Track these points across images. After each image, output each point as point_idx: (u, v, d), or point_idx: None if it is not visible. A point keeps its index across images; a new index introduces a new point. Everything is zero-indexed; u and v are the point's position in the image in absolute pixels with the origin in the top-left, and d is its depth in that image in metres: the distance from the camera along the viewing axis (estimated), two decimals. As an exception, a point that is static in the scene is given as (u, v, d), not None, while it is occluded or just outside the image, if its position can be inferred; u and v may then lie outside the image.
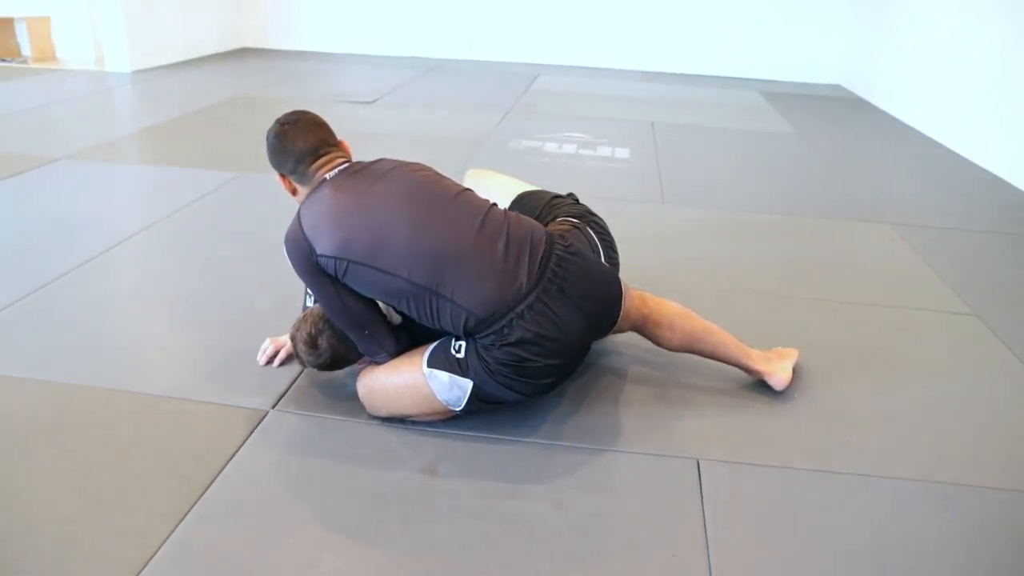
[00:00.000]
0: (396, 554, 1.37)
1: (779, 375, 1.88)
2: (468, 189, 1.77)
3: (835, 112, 5.43)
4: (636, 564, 1.37)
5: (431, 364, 1.63)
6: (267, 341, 1.94)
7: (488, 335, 1.57)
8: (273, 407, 1.76)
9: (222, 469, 1.56)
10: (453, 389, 1.62)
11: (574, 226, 1.91)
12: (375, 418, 1.73)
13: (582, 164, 3.75)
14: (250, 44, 7.29)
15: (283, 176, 1.79)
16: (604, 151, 3.99)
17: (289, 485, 1.54)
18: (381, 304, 1.73)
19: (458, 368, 1.61)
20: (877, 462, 1.66)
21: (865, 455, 1.68)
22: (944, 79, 4.63)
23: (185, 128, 4.19)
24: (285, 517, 1.45)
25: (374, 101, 4.94)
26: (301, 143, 1.74)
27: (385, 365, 1.70)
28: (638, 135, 4.35)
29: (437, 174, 1.77)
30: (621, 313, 1.78)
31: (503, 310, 1.56)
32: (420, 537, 1.41)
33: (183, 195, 3.10)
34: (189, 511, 1.44)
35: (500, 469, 1.60)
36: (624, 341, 2.08)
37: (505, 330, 1.56)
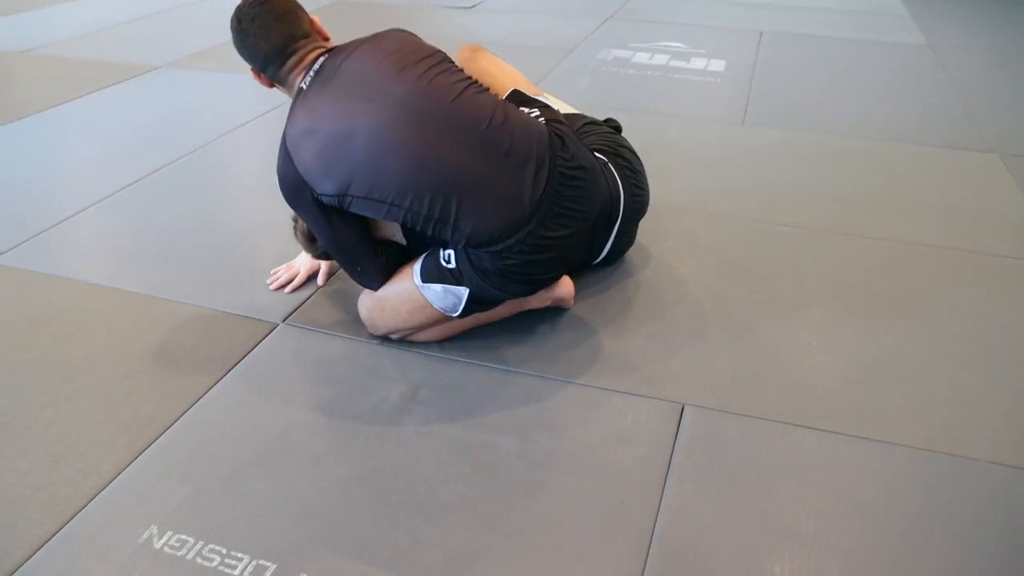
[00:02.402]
0: (349, 478, 1.43)
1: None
2: (468, 82, 1.62)
3: (988, 20, 4.80)
4: (579, 508, 1.36)
5: (424, 278, 1.65)
6: (282, 268, 2.00)
7: (486, 252, 1.57)
8: (284, 320, 1.85)
9: (225, 374, 1.68)
10: (448, 296, 1.64)
11: (598, 160, 1.85)
12: (376, 337, 1.78)
13: (668, 77, 3.55)
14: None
15: (255, 72, 1.67)
16: (698, 63, 3.75)
17: (278, 398, 1.63)
18: (386, 226, 1.77)
19: (451, 278, 1.62)
20: (884, 426, 1.54)
21: (873, 416, 1.57)
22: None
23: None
24: (263, 428, 1.54)
25: (473, 7, 4.84)
26: (264, 44, 1.61)
27: None
28: (741, 45, 4.04)
29: (425, 66, 1.59)
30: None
31: (505, 234, 1.55)
32: (379, 461, 1.46)
33: (272, 100, 3.21)
34: (187, 411, 1.57)
35: (479, 398, 1.62)
36: (640, 263, 2.01)
37: (504, 252, 1.56)
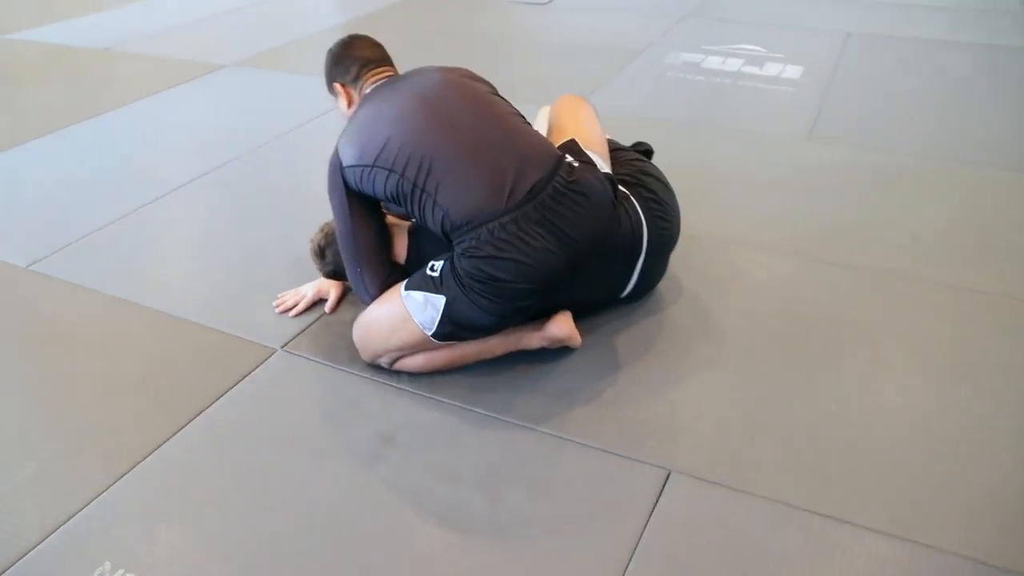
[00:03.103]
0: (306, 527, 1.40)
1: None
2: (497, 98, 1.75)
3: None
4: (533, 582, 1.28)
5: (408, 287, 1.64)
6: (290, 292, 1.98)
7: (462, 241, 1.56)
8: (283, 346, 1.84)
9: (213, 403, 1.68)
10: (427, 308, 1.60)
11: (619, 193, 1.76)
12: (369, 367, 1.74)
13: (737, 85, 3.35)
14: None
15: (343, 87, 1.83)
16: (772, 69, 3.52)
17: (258, 433, 1.61)
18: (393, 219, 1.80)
19: (432, 286, 1.60)
20: (888, 516, 1.38)
21: (875, 504, 1.41)
22: None
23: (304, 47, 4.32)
24: (234, 466, 1.54)
25: (548, 2, 4.72)
26: (361, 53, 1.83)
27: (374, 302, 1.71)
28: (823, 49, 3.77)
29: (469, 80, 1.75)
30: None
31: (477, 221, 1.54)
32: (341, 511, 1.43)
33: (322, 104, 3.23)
34: (167, 441, 1.58)
35: (456, 447, 1.55)
36: (669, 298, 1.89)
37: (475, 243, 1.53)
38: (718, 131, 2.91)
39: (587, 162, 1.69)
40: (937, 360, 1.74)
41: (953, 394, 1.65)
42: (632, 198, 1.78)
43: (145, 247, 2.29)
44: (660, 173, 1.90)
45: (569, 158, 1.67)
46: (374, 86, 1.78)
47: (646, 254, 1.78)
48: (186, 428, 1.62)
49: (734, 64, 3.60)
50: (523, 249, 1.53)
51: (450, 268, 1.58)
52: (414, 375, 1.71)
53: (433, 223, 1.61)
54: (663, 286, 1.98)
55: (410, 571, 1.31)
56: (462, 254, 1.56)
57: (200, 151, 2.88)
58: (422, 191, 1.59)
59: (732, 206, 2.37)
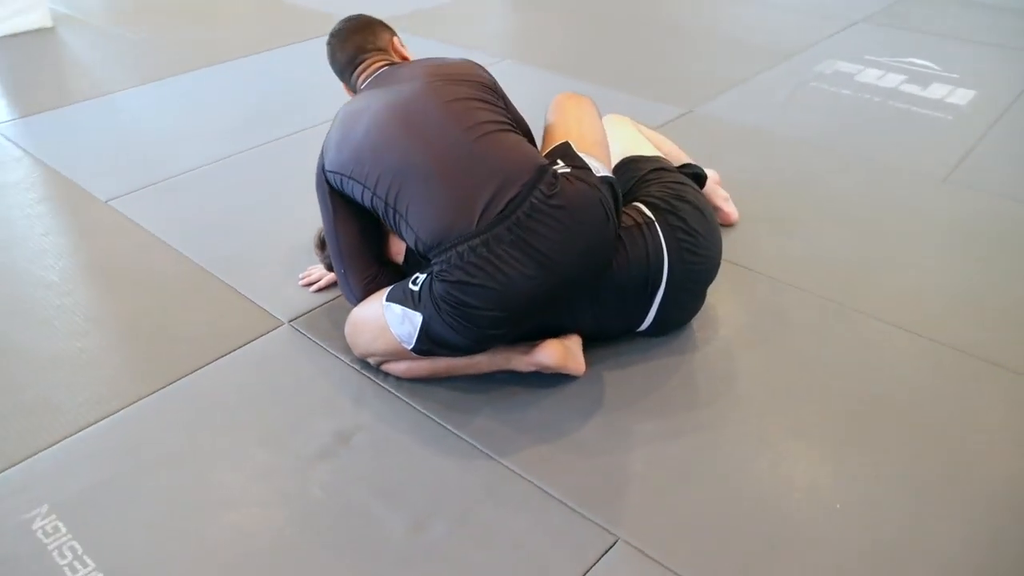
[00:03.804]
0: (226, 522, 1.38)
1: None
2: (480, 103, 1.55)
3: None
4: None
5: (389, 297, 1.56)
6: (316, 267, 1.97)
7: (436, 262, 1.46)
8: (290, 321, 1.84)
9: (208, 363, 1.72)
10: (405, 323, 1.52)
11: (642, 217, 1.60)
12: (359, 360, 1.70)
13: (886, 106, 2.95)
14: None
15: (344, 85, 1.82)
16: (937, 91, 3.07)
17: (232, 405, 1.62)
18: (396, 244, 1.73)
19: (411, 300, 1.51)
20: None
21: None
22: None
23: (466, 8, 4.26)
24: (195, 436, 1.55)
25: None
26: (341, 55, 1.77)
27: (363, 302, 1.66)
28: (1010, 71, 3.25)
29: (454, 84, 1.57)
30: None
31: (447, 243, 1.43)
32: (264, 513, 1.40)
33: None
34: (150, 394, 1.63)
35: (410, 460, 1.48)
36: (698, 341, 1.71)
37: (445, 265, 1.43)
38: (840, 156, 2.58)
39: (580, 167, 1.51)
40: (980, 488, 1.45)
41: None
42: (656, 224, 1.60)
43: (214, 196, 2.38)
44: (701, 200, 1.69)
45: (558, 165, 1.51)
46: (365, 83, 1.71)
47: (667, 286, 1.61)
48: (169, 387, 1.66)
49: (893, 80, 3.18)
50: (494, 274, 1.41)
51: (428, 286, 1.49)
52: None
53: (409, 243, 1.53)
54: (699, 322, 1.79)
55: (304, 583, 1.26)
56: (435, 276, 1.46)
57: (310, 106, 2.95)
58: (394, 211, 1.51)
59: (814, 247, 2.09)
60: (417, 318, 1.49)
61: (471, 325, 1.44)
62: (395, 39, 1.81)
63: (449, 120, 1.50)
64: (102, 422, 1.57)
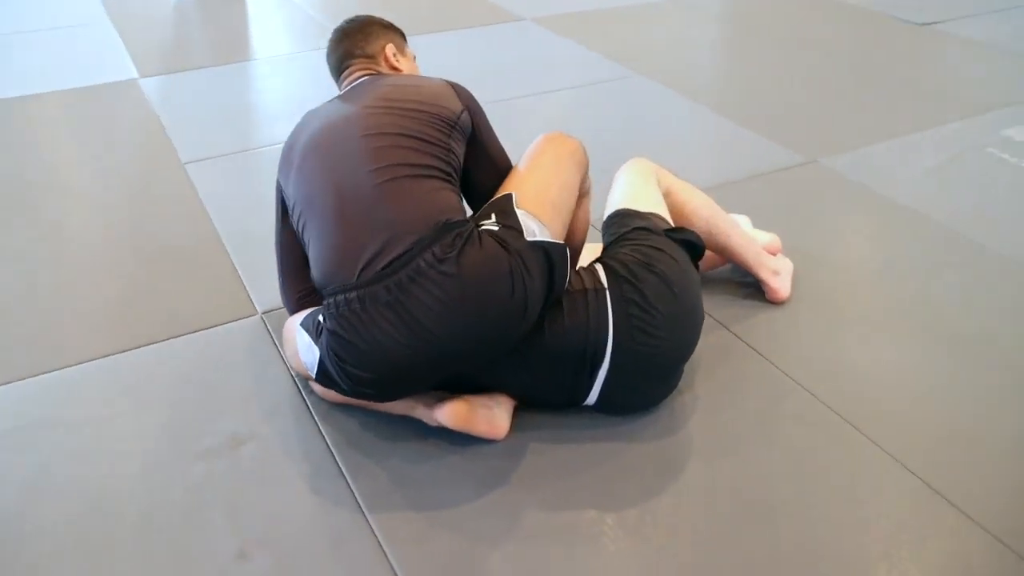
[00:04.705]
0: (73, 512, 1.39)
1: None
2: (408, 140, 1.40)
3: None
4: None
5: (303, 322, 1.48)
6: None
7: (324, 304, 1.37)
8: (264, 312, 1.84)
9: (168, 339, 1.76)
10: (309, 352, 1.44)
11: (595, 282, 1.42)
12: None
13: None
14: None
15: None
16: None
17: (164, 389, 1.64)
18: None
19: (315, 333, 1.42)
20: None
21: None
22: None
23: (636, 16, 4.00)
24: (119, 410, 1.59)
25: (926, 24, 3.82)
26: (332, 57, 1.73)
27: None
28: None
29: (389, 113, 1.43)
30: None
31: (330, 290, 1.34)
32: (121, 494, 1.40)
33: (568, 77, 3.09)
34: (93, 361, 1.71)
35: (272, 484, 1.41)
36: (662, 428, 1.48)
37: (327, 311, 1.34)
38: (974, 248, 2.12)
39: (510, 227, 1.33)
40: None
41: None
42: (608, 292, 1.39)
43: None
44: (678, 273, 1.44)
45: (488, 221, 1.34)
46: (342, 92, 1.64)
47: (613, 365, 1.40)
48: (122, 354, 1.72)
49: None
50: (363, 334, 1.28)
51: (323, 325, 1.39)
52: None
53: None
54: (674, 414, 1.54)
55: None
56: (324, 318, 1.36)
57: None
58: (303, 239, 1.47)
59: (882, 357, 1.72)
60: (316, 352, 1.40)
61: (346, 377, 1.34)
62: (389, 47, 1.71)
63: (362, 157, 1.38)
64: (41, 376, 1.66)
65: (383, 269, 1.27)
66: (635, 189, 1.62)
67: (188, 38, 3.69)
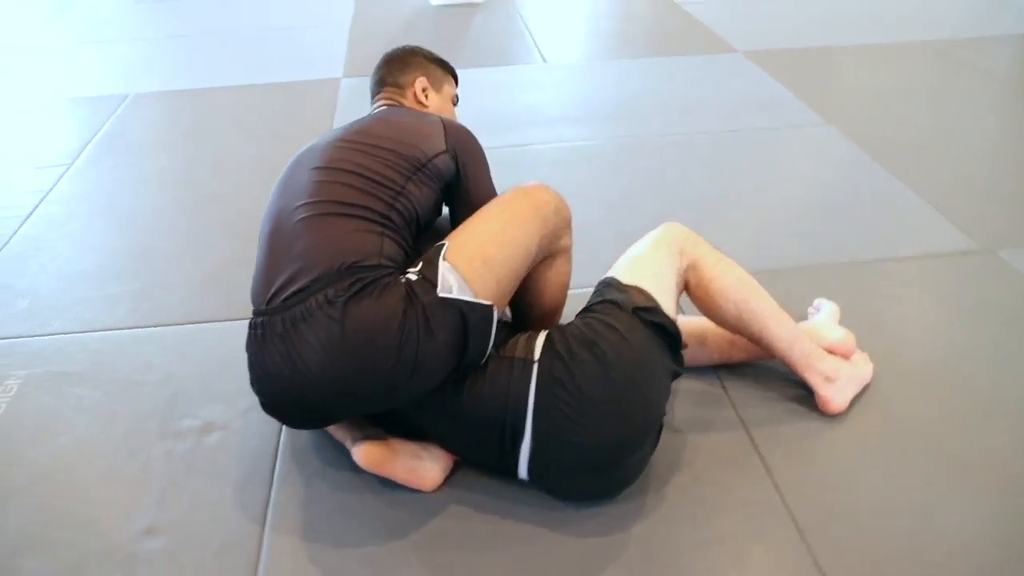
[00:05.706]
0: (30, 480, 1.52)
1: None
2: (356, 175, 1.35)
3: None
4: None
5: None
6: None
7: None
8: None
9: (194, 323, 1.92)
10: None
11: (527, 352, 1.32)
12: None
13: None
14: None
15: None
16: None
17: (173, 365, 1.78)
18: None
19: None
20: None
21: None
22: None
23: (866, 58, 3.46)
24: (106, 389, 1.73)
25: None
26: (371, 81, 1.73)
27: None
28: None
29: (359, 147, 1.40)
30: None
31: (254, 307, 1.35)
32: (96, 458, 1.54)
33: (747, 118, 2.84)
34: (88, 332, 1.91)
35: (210, 473, 1.48)
36: (626, 514, 1.34)
37: (249, 330, 1.34)
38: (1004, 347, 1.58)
39: (426, 279, 1.24)
40: None
41: None
42: (536, 367, 1.26)
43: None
44: (624, 358, 1.26)
45: (413, 269, 1.27)
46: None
47: (538, 444, 1.28)
48: (140, 330, 1.90)
49: None
50: (258, 359, 1.29)
51: None
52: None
53: None
54: (637, 510, 1.36)
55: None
56: None
57: (623, 119, 2.91)
58: None
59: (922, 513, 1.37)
60: None
61: (262, 395, 1.35)
62: (420, 80, 1.66)
63: (303, 189, 1.36)
64: (60, 336, 1.88)
65: (285, 300, 1.26)
66: (640, 256, 1.43)
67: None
